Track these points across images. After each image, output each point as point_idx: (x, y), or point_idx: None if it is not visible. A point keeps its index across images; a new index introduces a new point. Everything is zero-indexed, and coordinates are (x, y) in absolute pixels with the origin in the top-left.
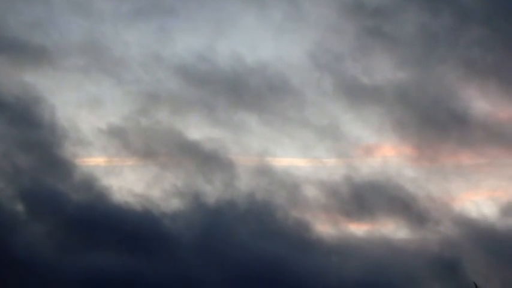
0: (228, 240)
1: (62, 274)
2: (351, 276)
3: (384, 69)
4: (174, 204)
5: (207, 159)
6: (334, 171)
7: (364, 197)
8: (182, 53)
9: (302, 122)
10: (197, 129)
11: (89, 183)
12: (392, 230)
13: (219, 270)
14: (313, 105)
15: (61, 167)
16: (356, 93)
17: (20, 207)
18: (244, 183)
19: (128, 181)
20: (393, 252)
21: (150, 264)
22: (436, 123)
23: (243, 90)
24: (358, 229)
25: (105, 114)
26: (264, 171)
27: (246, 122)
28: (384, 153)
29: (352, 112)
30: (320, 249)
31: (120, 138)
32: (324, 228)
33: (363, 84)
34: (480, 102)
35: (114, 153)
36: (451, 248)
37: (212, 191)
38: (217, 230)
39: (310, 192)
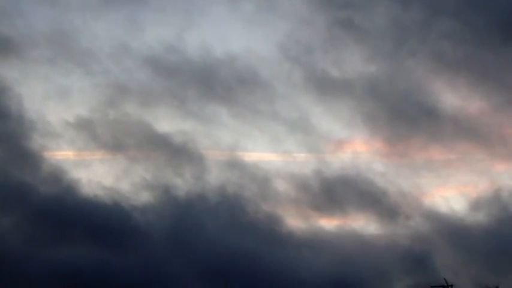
0: (199, 233)
1: (30, 267)
2: (322, 270)
3: (354, 62)
4: (144, 197)
5: (176, 152)
6: (304, 166)
7: (335, 192)
8: (151, 43)
9: (272, 115)
10: (167, 122)
11: (57, 176)
12: (363, 224)
13: (190, 264)
14: (283, 98)
15: (29, 159)
16: (326, 86)
17: None
18: (215, 177)
19: (97, 174)
20: (363, 246)
21: (120, 257)
22: (406, 117)
23: (213, 82)
24: (329, 223)
25: (73, 106)
26: (235, 165)
27: (216, 115)
28: (355, 148)
29: (322, 105)
30: (291, 243)
31: (89, 130)
32: (295, 222)
33: (333, 77)
34: (450, 96)
35: (82, 146)
36: (421, 242)
37: (182, 184)
38: (187, 223)
39: (281, 186)
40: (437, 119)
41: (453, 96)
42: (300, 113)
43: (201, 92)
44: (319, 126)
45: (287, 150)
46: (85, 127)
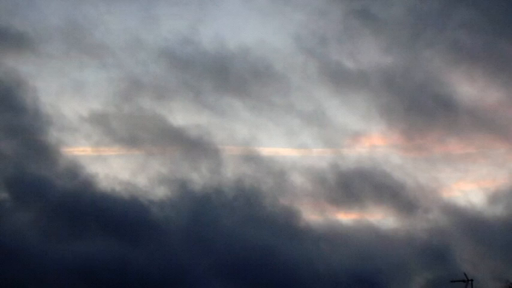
0: (215, 227)
1: (48, 262)
2: (339, 264)
3: (370, 54)
4: (161, 191)
5: (192, 146)
6: (321, 159)
7: (352, 186)
8: (165, 36)
9: (287, 108)
10: (182, 115)
11: (74, 171)
12: (380, 218)
13: (207, 258)
14: (298, 91)
15: (45, 153)
16: (342, 78)
17: (4, 194)
18: (231, 171)
19: (113, 169)
20: (381, 240)
21: (137, 251)
22: (423, 109)
23: (227, 75)
24: (346, 217)
25: (87, 100)
26: (251, 159)
27: (231, 108)
28: (371, 141)
29: (338, 98)
30: (308, 238)
31: (104, 124)
32: (312, 216)
33: (349, 68)
34: (468, 87)
35: (98, 140)
36: (439, 236)
37: (198, 178)
38: (204, 217)
39: (298, 180)
40: (455, 111)
41: (471, 88)
42: (315, 106)
43: (216, 85)
44: (335, 119)
45: (303, 144)
46: (100, 121)
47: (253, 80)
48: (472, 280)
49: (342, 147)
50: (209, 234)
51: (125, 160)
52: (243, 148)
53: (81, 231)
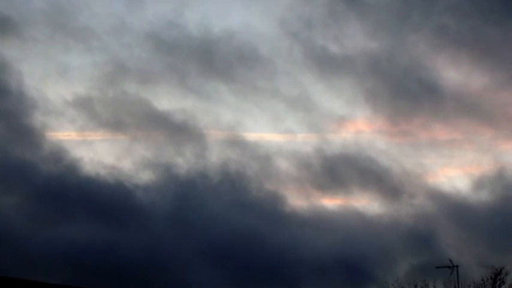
0: (200, 212)
1: (32, 247)
2: (325, 249)
3: (356, 38)
4: (145, 176)
5: (177, 130)
6: (306, 144)
7: (337, 171)
8: (151, 19)
9: (272, 93)
10: (167, 100)
11: (58, 155)
12: (366, 204)
13: (191, 242)
14: (283, 75)
15: (30, 137)
16: (327, 63)
17: None
18: (216, 156)
19: (98, 153)
20: (366, 226)
21: (123, 236)
22: (408, 94)
23: (213, 59)
24: (331, 203)
25: (72, 84)
26: (236, 143)
27: (216, 92)
28: (356, 126)
29: (323, 82)
30: (293, 223)
31: (88, 109)
32: (297, 201)
33: (334, 53)
34: (453, 72)
35: (82, 125)
36: (424, 222)
37: (183, 163)
38: (189, 202)
39: (283, 165)
40: (441, 96)
41: (457, 73)
42: (300, 91)
43: (201, 69)
44: (320, 104)
45: (288, 129)
46: (85, 105)
47: (239, 64)
48: (457, 266)
49: (327, 132)
50: (194, 218)
51: (110, 144)
52: (228, 133)
53: (66, 215)
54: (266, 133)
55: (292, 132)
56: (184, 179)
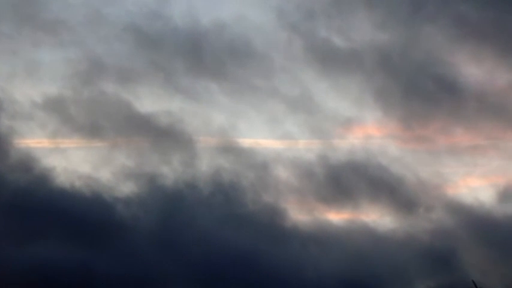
0: (190, 228)
1: (1, 266)
2: (330, 269)
3: (364, 30)
4: (127, 188)
5: (162, 135)
6: (308, 151)
7: (344, 181)
8: (131, 9)
9: (270, 93)
10: (150, 101)
11: (28, 164)
12: (376, 218)
13: (180, 262)
14: (281, 73)
15: None
16: (331, 58)
17: None
18: (207, 164)
19: (73, 162)
20: (377, 243)
21: (101, 256)
22: (424, 94)
23: (202, 54)
24: (338, 217)
25: (43, 83)
26: (229, 150)
27: (206, 92)
28: (365, 130)
29: (327, 81)
30: (295, 239)
31: (61, 112)
32: (299, 215)
33: (340, 47)
34: (475, 68)
35: (54, 130)
36: (443, 238)
37: (170, 172)
38: (176, 216)
39: (282, 174)
40: (461, 96)
41: (479, 69)
42: (301, 90)
43: (189, 66)
44: (324, 105)
45: (288, 133)
46: (57, 108)
47: (231, 61)
48: None
49: (332, 137)
50: (182, 235)
51: (86, 152)
52: (221, 138)
53: (36, 232)
54: (263, 138)
55: (293, 138)
56: (171, 191)
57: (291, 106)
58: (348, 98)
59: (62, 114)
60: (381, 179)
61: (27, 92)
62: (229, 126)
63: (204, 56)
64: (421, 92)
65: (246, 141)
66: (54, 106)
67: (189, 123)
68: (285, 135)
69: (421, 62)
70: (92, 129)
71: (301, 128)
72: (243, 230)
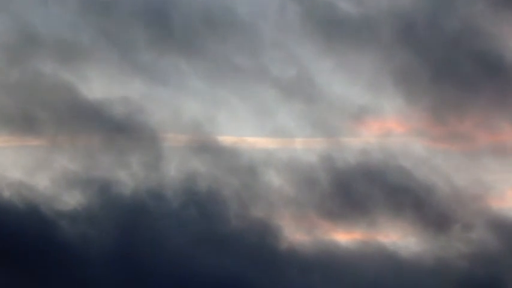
0: (155, 252)
1: None
2: None
3: None
4: (72, 198)
5: (118, 130)
6: (308, 152)
7: (355, 190)
8: None
9: (257, 74)
10: (101, 84)
11: None
12: (398, 239)
13: None
14: (272, 48)
15: None
16: (337, 29)
17: None
18: (176, 167)
19: (0, 165)
20: (399, 271)
21: (40, 285)
22: (459, 76)
23: (168, 23)
24: (347, 237)
25: None
26: (206, 149)
27: (174, 73)
28: (383, 124)
29: (331, 58)
30: (292, 266)
31: None
32: (297, 235)
33: (348, 14)
34: None
35: None
36: (485, 264)
37: (128, 178)
38: (138, 237)
39: (275, 181)
40: (509, 79)
41: None
42: (298, 71)
43: (152, 39)
44: (328, 90)
45: (282, 128)
46: None
47: (207, 32)
48: None
49: (340, 133)
50: (145, 261)
51: (17, 152)
52: (194, 134)
53: None
54: (249, 135)
55: (288, 134)
56: (130, 203)
57: (285, 92)
58: (359, 82)
59: None
60: (404, 188)
61: None
62: (205, 118)
63: (172, 25)
64: (456, 74)
65: (228, 139)
66: None
67: (152, 114)
68: (278, 130)
69: (456, 33)
70: (24, 123)
71: (299, 121)
72: (224, 254)
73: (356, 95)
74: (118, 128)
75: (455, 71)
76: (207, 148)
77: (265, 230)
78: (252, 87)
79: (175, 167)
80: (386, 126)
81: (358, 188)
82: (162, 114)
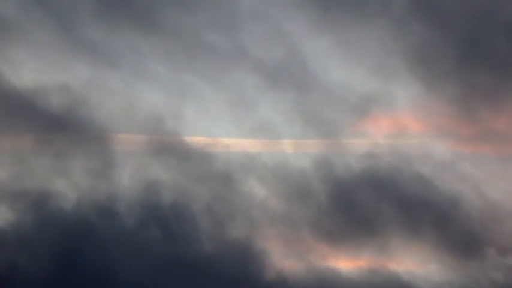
0: (105, 280)
1: None
2: None
3: None
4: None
5: (56, 127)
6: (301, 156)
7: (360, 204)
8: None
9: (233, 55)
10: (33, 70)
11: None
12: (415, 266)
13: None
14: (254, 23)
15: None
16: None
17: None
18: (131, 174)
19: None
20: None
21: None
22: (492, 59)
23: None
24: (351, 264)
25: None
26: (169, 153)
27: (129, 53)
28: (395, 119)
29: (329, 36)
30: None
31: None
32: (287, 261)
33: None
34: None
35: None
36: None
37: (69, 188)
38: (82, 262)
39: (259, 193)
40: None
41: None
42: (287, 52)
43: (99, 10)
44: (323, 76)
45: (267, 125)
46: None
47: (169, 2)
48: None
49: (340, 132)
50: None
51: None
52: (154, 133)
53: None
54: (225, 135)
55: (275, 133)
56: (73, 220)
57: (270, 79)
58: (364, 65)
59: None
60: (423, 201)
61: None
62: (168, 113)
63: None
64: (489, 54)
65: (197, 140)
66: None
67: (99, 108)
68: (261, 129)
69: (486, 6)
70: None
71: (288, 116)
72: (193, 286)
73: (360, 83)
74: (56, 125)
75: (487, 50)
76: (170, 151)
77: (246, 255)
78: (227, 73)
79: (130, 175)
80: (399, 123)
81: (363, 202)
82: (112, 107)
